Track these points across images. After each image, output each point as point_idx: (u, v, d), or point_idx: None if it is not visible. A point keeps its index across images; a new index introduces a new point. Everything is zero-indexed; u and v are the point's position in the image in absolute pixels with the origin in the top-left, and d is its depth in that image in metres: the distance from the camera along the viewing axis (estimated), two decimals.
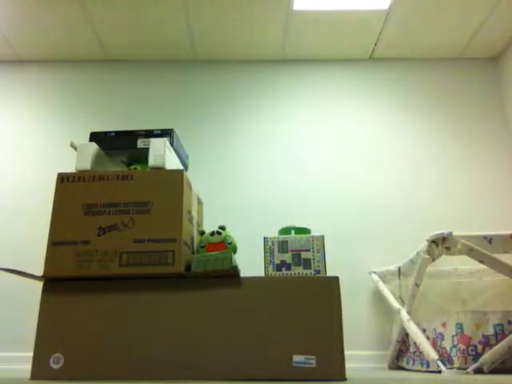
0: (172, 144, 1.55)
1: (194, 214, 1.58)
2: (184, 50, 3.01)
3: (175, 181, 1.38)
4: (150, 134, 1.55)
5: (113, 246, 1.33)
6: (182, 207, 1.36)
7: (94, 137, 1.58)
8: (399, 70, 3.09)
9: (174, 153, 1.59)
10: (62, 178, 1.43)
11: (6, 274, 2.63)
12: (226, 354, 1.22)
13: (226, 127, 2.96)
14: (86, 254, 1.34)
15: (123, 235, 1.34)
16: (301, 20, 2.75)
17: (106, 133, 1.58)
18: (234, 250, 1.48)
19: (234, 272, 1.30)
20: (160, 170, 1.46)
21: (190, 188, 1.53)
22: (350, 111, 3.00)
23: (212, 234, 1.48)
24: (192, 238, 1.47)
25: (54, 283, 1.35)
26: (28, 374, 1.29)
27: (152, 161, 1.45)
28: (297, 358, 1.18)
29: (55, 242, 1.39)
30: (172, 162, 1.56)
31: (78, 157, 1.49)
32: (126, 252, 1.32)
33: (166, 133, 1.56)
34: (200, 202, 1.74)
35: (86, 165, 1.47)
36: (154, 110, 3.00)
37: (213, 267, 1.29)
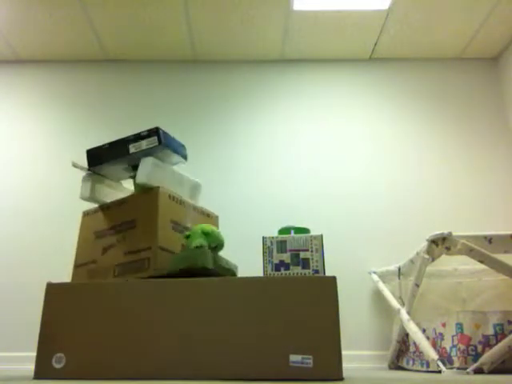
0: (160, 142, 1.56)
1: (188, 221, 1.60)
2: (184, 50, 3.01)
3: (152, 197, 1.53)
4: (138, 137, 1.60)
5: (111, 261, 1.53)
6: (157, 219, 1.50)
7: (90, 154, 1.65)
8: (399, 69, 3.09)
9: (164, 165, 1.63)
10: (85, 214, 1.70)
11: (6, 275, 2.63)
12: (223, 353, 1.22)
13: (226, 127, 2.96)
14: (94, 272, 1.55)
15: (117, 250, 1.53)
16: (301, 20, 2.75)
17: (100, 147, 1.65)
18: (219, 246, 1.49)
19: (206, 272, 1.34)
20: (146, 188, 1.55)
21: (178, 200, 1.59)
22: (349, 111, 3.00)
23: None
24: (182, 245, 1.56)
25: (56, 285, 1.38)
26: (28, 374, 1.30)
27: (138, 179, 1.54)
28: (294, 357, 1.17)
29: (77, 265, 1.61)
30: (163, 176, 1.60)
31: (81, 187, 1.65)
32: (118, 264, 1.51)
33: (153, 132, 1.58)
34: (206, 214, 1.75)
35: (86, 194, 1.64)
36: (154, 110, 3.00)
37: (185, 265, 1.36)
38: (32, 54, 3.03)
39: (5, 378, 1.35)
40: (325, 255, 2.63)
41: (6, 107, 3.00)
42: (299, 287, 1.26)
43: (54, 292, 1.37)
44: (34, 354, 1.31)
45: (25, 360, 2.43)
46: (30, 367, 1.34)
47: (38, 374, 1.28)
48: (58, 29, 2.80)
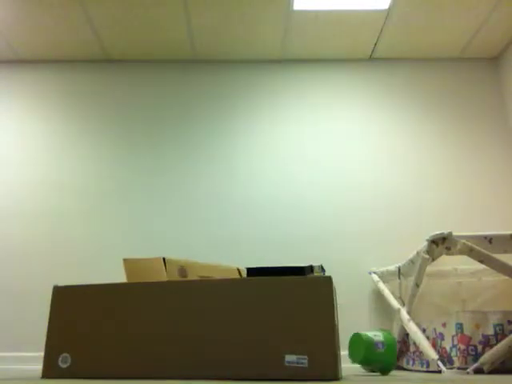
0: None
1: None
2: (184, 49, 3.01)
3: None
4: None
5: None
6: None
7: None
8: (399, 69, 3.09)
9: None
10: None
11: (7, 275, 2.63)
12: (218, 353, 1.23)
13: (226, 127, 2.96)
14: None
15: None
16: (301, 20, 2.75)
17: None
18: None
19: None
20: None
21: None
22: (349, 111, 3.00)
23: None
24: None
25: (63, 288, 1.42)
26: (37, 373, 1.32)
27: None
28: (289, 357, 1.17)
29: None
30: None
31: None
32: None
33: None
34: None
35: None
36: (153, 110, 3.00)
37: None
38: (32, 54, 3.03)
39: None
40: (325, 255, 2.63)
41: (6, 107, 3.00)
42: (295, 287, 1.26)
43: (60, 295, 1.40)
44: (42, 354, 1.34)
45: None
46: (30, 367, 1.35)
47: (45, 373, 1.31)
48: (57, 29, 2.80)
